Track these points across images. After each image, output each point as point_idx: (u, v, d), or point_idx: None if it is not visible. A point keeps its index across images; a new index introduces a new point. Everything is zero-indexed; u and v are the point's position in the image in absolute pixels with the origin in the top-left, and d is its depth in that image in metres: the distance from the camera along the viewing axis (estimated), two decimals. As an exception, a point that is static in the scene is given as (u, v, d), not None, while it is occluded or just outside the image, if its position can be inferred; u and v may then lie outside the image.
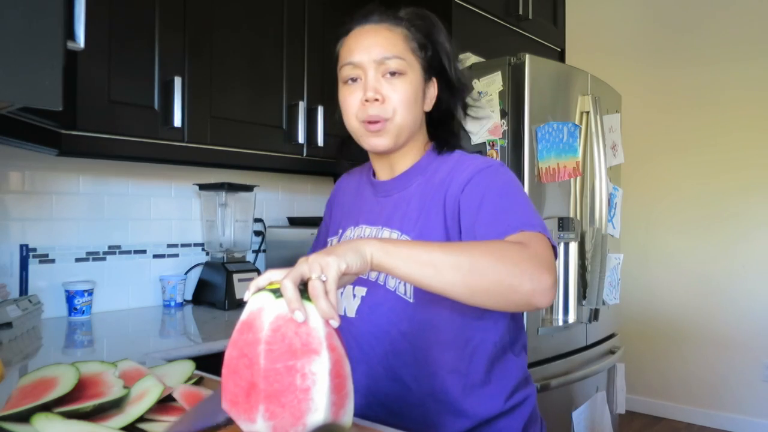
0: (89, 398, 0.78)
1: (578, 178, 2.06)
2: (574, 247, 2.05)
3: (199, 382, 0.93)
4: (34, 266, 1.73)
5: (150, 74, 1.63)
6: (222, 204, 2.10)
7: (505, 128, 1.93)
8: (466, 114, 1.05)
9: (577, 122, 2.05)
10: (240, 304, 1.95)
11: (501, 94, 1.94)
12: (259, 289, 0.66)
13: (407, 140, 0.98)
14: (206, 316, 1.87)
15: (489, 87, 1.96)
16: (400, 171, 1.01)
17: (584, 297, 2.08)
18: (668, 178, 3.45)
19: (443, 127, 1.03)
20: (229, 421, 0.66)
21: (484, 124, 1.96)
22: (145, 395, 0.78)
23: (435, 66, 0.99)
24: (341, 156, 1.13)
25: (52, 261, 1.78)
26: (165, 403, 0.81)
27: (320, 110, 2.03)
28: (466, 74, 1.05)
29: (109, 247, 1.91)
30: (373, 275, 0.95)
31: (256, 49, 1.91)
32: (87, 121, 1.50)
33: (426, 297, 0.90)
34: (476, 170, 0.92)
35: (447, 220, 0.92)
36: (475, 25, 2.39)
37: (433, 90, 1.00)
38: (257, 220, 2.30)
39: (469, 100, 1.04)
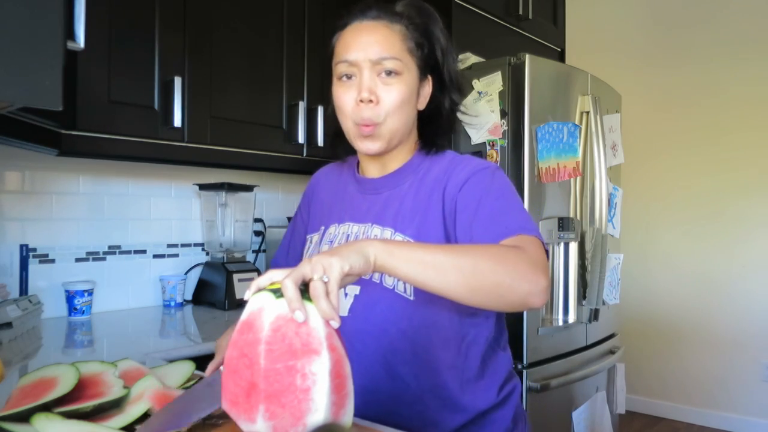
0: (89, 398, 0.78)
1: (578, 178, 2.06)
2: (574, 247, 2.05)
3: (198, 381, 0.93)
4: (34, 266, 1.73)
5: (150, 74, 1.63)
6: (222, 204, 2.10)
7: (505, 128, 1.93)
8: (453, 110, 1.02)
9: (577, 122, 2.05)
10: (240, 304, 1.95)
11: (501, 94, 1.94)
12: (260, 289, 0.66)
13: (400, 141, 0.98)
14: (206, 316, 1.87)
15: (489, 87, 1.96)
16: (392, 169, 1.01)
17: (584, 297, 2.08)
18: (668, 178, 3.45)
19: (433, 125, 1.02)
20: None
21: (482, 124, 1.96)
22: (144, 395, 0.78)
23: (431, 63, 0.98)
24: (334, 149, 1.10)
25: (52, 261, 1.78)
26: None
27: (320, 110, 2.03)
28: (460, 73, 1.03)
29: (109, 247, 1.91)
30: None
31: (256, 49, 1.91)
32: (87, 121, 1.50)
33: (426, 295, 0.90)
34: (474, 171, 0.93)
35: (446, 219, 0.92)
36: (475, 25, 2.39)
37: (427, 88, 0.99)
38: (257, 220, 2.30)
39: (455, 98, 1.01)
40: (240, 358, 0.63)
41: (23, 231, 1.73)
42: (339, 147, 1.08)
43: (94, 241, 1.87)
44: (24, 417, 0.71)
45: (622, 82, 2.87)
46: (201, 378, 0.96)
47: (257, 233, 2.31)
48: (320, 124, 2.03)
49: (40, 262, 1.76)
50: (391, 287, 0.92)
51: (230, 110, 1.83)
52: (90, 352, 1.43)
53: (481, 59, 2.14)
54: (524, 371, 1.85)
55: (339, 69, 0.95)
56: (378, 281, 0.93)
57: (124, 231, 1.95)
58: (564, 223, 1.98)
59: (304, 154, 2.03)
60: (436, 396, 0.94)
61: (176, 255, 2.09)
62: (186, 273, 2.08)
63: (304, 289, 0.65)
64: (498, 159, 1.94)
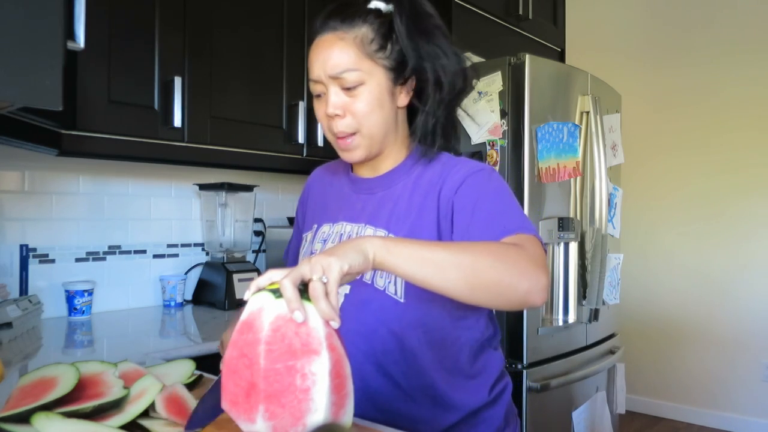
0: (89, 398, 0.78)
1: (578, 178, 2.06)
2: (574, 247, 2.05)
3: (198, 380, 0.93)
4: (34, 266, 1.73)
5: (150, 74, 1.63)
6: (222, 204, 2.10)
7: (505, 128, 1.93)
8: (443, 100, 0.95)
9: (577, 122, 2.05)
10: (240, 304, 1.94)
11: (501, 94, 1.94)
12: (260, 289, 0.66)
13: (384, 143, 0.97)
14: (206, 316, 1.87)
15: (489, 87, 1.96)
16: (385, 170, 1.01)
17: (584, 297, 2.08)
18: (668, 178, 3.45)
19: (423, 118, 0.96)
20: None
21: (482, 124, 1.96)
22: (143, 394, 0.78)
23: (402, 59, 0.93)
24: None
25: (52, 261, 1.78)
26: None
27: (320, 110, 2.03)
28: (459, 58, 0.95)
29: (109, 247, 1.91)
30: None
31: (256, 49, 1.91)
32: (87, 121, 1.50)
33: (417, 297, 0.90)
34: (469, 172, 0.93)
35: (440, 221, 0.92)
36: (475, 25, 2.39)
37: (410, 82, 0.95)
38: (257, 220, 2.30)
39: (445, 85, 0.93)
40: (240, 358, 0.63)
41: (23, 231, 1.73)
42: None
43: (94, 241, 1.87)
44: (24, 417, 0.71)
45: (622, 82, 2.87)
46: (201, 376, 0.96)
47: (257, 233, 2.31)
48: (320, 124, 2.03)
49: (40, 262, 1.76)
50: (382, 288, 0.92)
51: (230, 110, 1.83)
52: (90, 352, 1.43)
53: (481, 59, 2.14)
54: (524, 371, 1.85)
55: (311, 86, 0.97)
56: (369, 281, 0.93)
57: (124, 231, 1.95)
58: (564, 223, 1.98)
59: (304, 154, 2.03)
60: (426, 395, 0.94)
61: (176, 255, 2.09)
62: (186, 273, 2.08)
63: (304, 289, 0.65)
64: (498, 159, 1.94)
